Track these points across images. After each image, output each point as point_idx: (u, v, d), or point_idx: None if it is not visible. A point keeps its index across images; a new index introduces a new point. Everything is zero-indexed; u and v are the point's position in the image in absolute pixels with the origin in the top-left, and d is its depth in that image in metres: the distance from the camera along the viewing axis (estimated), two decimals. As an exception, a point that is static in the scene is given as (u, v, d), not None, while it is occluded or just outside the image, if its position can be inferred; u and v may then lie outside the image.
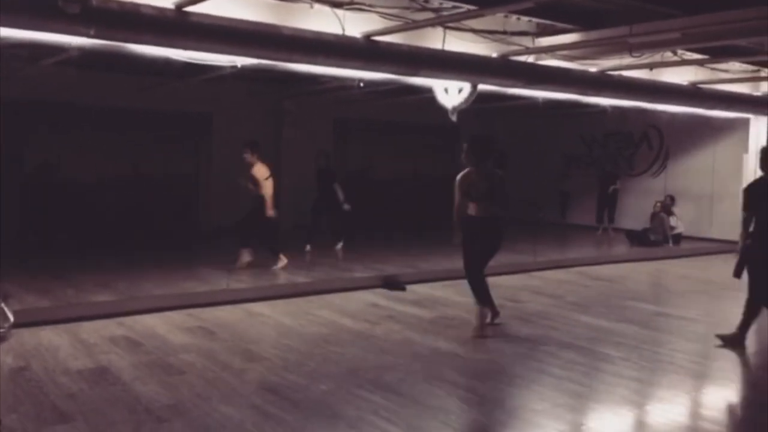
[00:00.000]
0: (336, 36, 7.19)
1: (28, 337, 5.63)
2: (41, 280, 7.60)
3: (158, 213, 12.51)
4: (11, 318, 5.73)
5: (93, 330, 5.91)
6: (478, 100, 9.32)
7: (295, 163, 13.90)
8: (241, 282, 7.98)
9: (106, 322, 6.17)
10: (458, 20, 7.60)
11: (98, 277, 7.88)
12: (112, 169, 11.99)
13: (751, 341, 6.66)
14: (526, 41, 8.70)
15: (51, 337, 5.66)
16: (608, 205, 14.20)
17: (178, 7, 6.17)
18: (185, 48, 6.82)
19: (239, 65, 7.69)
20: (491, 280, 8.83)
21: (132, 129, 12.06)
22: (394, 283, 8.23)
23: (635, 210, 14.39)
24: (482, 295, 6.20)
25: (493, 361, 5.36)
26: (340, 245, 10.96)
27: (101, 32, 5.99)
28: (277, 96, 13.35)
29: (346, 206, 10.73)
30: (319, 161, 11.26)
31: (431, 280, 8.62)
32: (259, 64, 7.67)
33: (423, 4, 7.65)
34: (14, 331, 5.68)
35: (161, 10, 6.13)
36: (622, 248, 12.40)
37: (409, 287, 8.18)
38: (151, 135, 12.34)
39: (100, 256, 9.74)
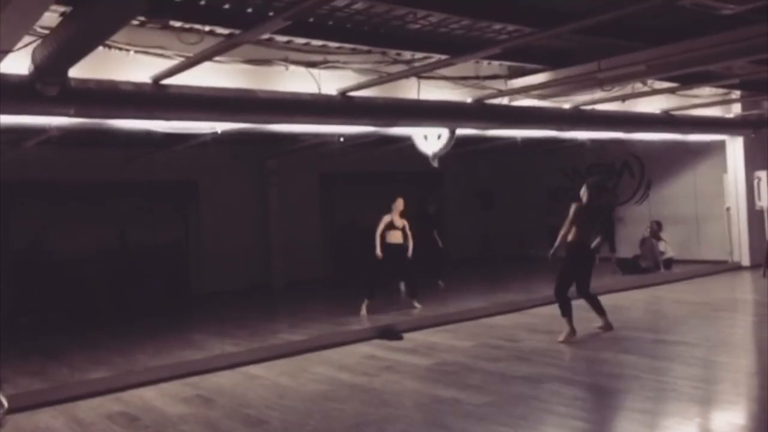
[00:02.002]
0: (312, 95, 7.34)
1: (24, 421, 5.53)
2: (34, 361, 7.50)
3: (149, 282, 12.43)
4: (5, 403, 5.63)
5: (89, 408, 5.82)
6: (457, 144, 9.47)
7: (283, 221, 13.96)
8: (237, 345, 7.91)
9: (103, 399, 6.08)
10: (431, 70, 7.79)
11: (92, 353, 7.79)
12: (101, 242, 11.97)
13: (751, 361, 6.67)
14: (499, 84, 8.92)
15: (47, 419, 5.57)
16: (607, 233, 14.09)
17: (156, 81, 6.30)
18: (165, 119, 6.95)
19: (219, 131, 7.81)
20: (486, 321, 8.87)
21: (118, 201, 12.10)
22: (390, 333, 8.19)
23: (624, 238, 14.47)
24: (567, 309, 7.40)
25: (494, 404, 5.31)
26: (440, 282, 11.68)
27: (81, 111, 6.11)
28: (260, 156, 13.48)
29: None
30: (426, 208, 12.01)
31: (427, 327, 8.59)
32: (239, 128, 7.80)
33: (395, 57, 7.85)
34: (10, 416, 5.58)
35: (139, 85, 6.26)
36: (615, 277, 12.42)
37: (406, 335, 8.15)
38: (137, 206, 12.37)
39: (92, 331, 9.64)
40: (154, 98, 6.35)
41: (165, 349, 7.92)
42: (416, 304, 9.63)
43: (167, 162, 11.91)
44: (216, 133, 7.88)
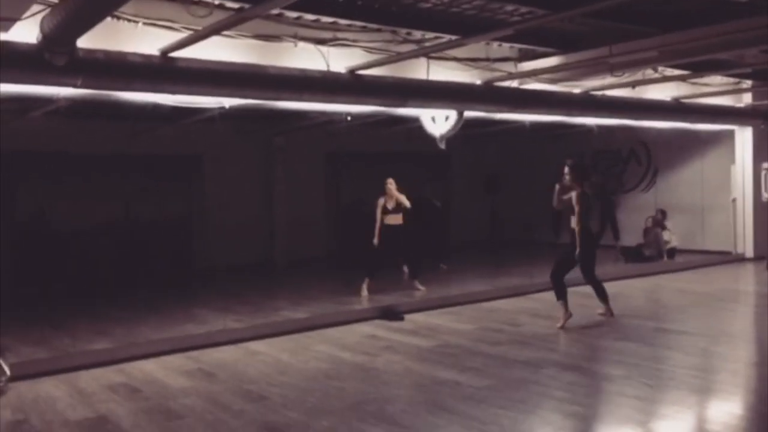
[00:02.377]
0: (321, 72, 7.29)
1: (26, 389, 5.59)
2: (37, 330, 7.55)
3: (153, 256, 12.48)
4: (7, 371, 5.69)
5: (91, 379, 5.87)
6: (465, 126, 9.42)
7: (288, 199, 13.96)
8: (239, 321, 7.96)
9: (104, 370, 6.13)
10: (441, 50, 7.73)
11: (95, 324, 7.84)
12: (105, 215, 11.99)
13: (751, 352, 6.68)
14: (509, 67, 8.84)
15: (49, 388, 5.62)
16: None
17: (164, 53, 6.26)
18: (173, 93, 6.92)
19: (227, 106, 7.78)
20: (488, 305, 8.89)
21: (123, 174, 12.10)
22: (392, 314, 8.22)
23: (628, 226, 14.41)
24: (561, 292, 7.47)
25: (494, 387, 5.34)
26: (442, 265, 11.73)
27: (88, 82, 6.07)
28: (267, 133, 13.43)
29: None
30: (433, 202, 12.06)
31: (429, 309, 8.62)
32: (246, 104, 7.76)
33: (405, 36, 7.78)
34: (12, 384, 5.63)
35: (147, 57, 6.22)
36: (617, 265, 12.41)
37: (407, 317, 8.17)
38: (142, 179, 12.38)
39: (95, 303, 9.70)
40: (162, 71, 6.32)
41: (167, 322, 7.97)
42: (419, 286, 9.64)
43: (173, 136, 11.88)
44: (223, 108, 7.85)
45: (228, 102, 7.63)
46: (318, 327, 7.69)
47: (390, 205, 9.57)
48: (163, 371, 6.08)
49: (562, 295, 7.44)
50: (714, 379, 5.65)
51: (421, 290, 9.55)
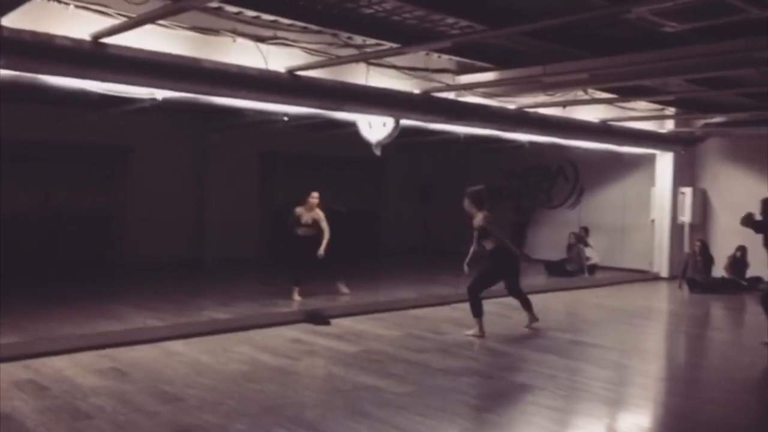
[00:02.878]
0: (259, 70, 7.20)
1: (-77, 383, 5.26)
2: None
3: (73, 249, 12.01)
4: None
5: (-4, 374, 5.58)
6: (401, 134, 9.47)
7: (220, 197, 13.71)
8: (160, 320, 7.74)
9: (11, 365, 5.83)
10: (381, 57, 7.77)
11: (4, 317, 7.46)
12: (24, 204, 11.47)
13: (660, 367, 6.97)
14: (447, 78, 8.97)
15: (-52, 382, 5.31)
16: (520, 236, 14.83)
17: (95, 39, 6.04)
18: (102, 80, 6.67)
19: (160, 98, 7.57)
20: (414, 312, 8.95)
21: (46, 161, 11.61)
22: (318, 318, 8.17)
23: (553, 241, 14.86)
24: (478, 309, 7.54)
25: (414, 394, 5.37)
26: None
27: (12, 63, 5.81)
28: (202, 129, 13.17)
29: None
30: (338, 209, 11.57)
31: (356, 314, 8.61)
32: (180, 97, 7.58)
33: (346, 40, 7.76)
34: None
35: (77, 42, 5.98)
36: (540, 279, 12.75)
37: (334, 321, 8.14)
38: (66, 168, 11.91)
39: (8, 294, 9.24)
40: (92, 57, 6.09)
41: (82, 318, 7.68)
42: (344, 290, 9.60)
43: (102, 125, 11.49)
44: (155, 99, 7.63)
45: (160, 94, 7.43)
46: (242, 329, 7.56)
47: (304, 219, 9.47)
48: (74, 369, 5.84)
49: (478, 312, 7.52)
50: (625, 392, 5.87)
51: (346, 293, 9.52)
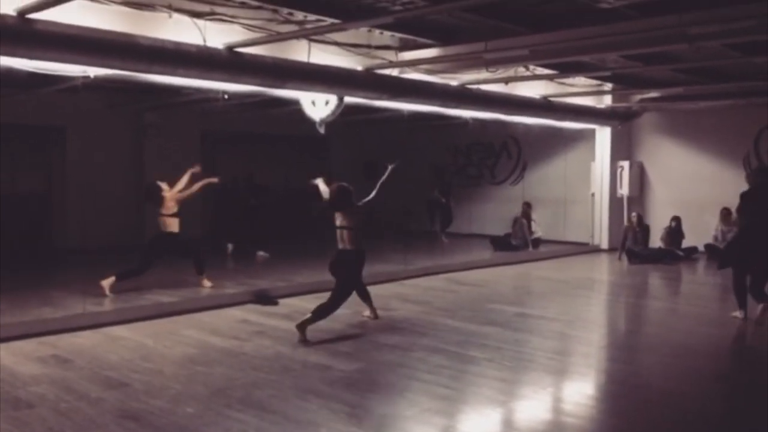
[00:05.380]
0: (197, 47, 7.00)
1: None
2: None
3: (7, 234, 11.53)
4: None
5: (-74, 367, 5.34)
6: (345, 112, 9.41)
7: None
8: (100, 305, 7.53)
9: (-57, 356, 5.61)
10: (322, 33, 7.65)
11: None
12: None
13: (602, 336, 7.20)
14: (390, 55, 8.92)
15: None
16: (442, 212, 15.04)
17: (21, 14, 5.75)
18: (30, 58, 6.36)
19: (92, 76, 7.29)
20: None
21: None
22: (265, 298, 8.07)
23: (497, 216, 15.12)
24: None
25: (363, 371, 5.41)
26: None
27: (-71, 39, 5.47)
28: (138, 108, 12.77)
29: None
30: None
31: (304, 293, 8.58)
32: (114, 74, 7.31)
33: (287, 16, 7.62)
34: None
35: (2, 17, 5.68)
36: (486, 253, 12.96)
37: (281, 301, 8.07)
38: (-5, 150, 11.39)
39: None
40: (19, 33, 5.79)
41: (20, 305, 7.41)
42: (206, 283, 8.89)
43: (32, 105, 11.02)
44: (88, 77, 7.34)
45: (93, 71, 7.15)
46: (187, 311, 7.44)
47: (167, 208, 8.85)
48: (12, 357, 5.64)
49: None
50: (569, 361, 6.04)
51: (208, 286, 8.84)
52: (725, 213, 12.11)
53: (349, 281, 6.85)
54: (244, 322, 7.07)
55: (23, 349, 5.92)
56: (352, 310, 7.67)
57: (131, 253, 12.16)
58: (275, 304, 7.92)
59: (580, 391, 5.22)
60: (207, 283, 8.89)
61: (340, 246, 6.84)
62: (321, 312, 6.52)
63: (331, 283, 9.22)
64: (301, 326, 6.35)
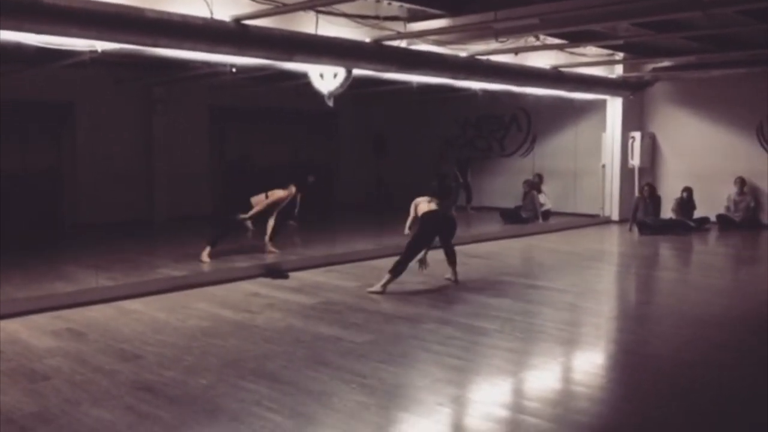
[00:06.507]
0: (204, 20, 6.95)
1: None
2: None
3: (19, 211, 11.59)
4: None
5: (-56, 340, 5.42)
6: (354, 85, 9.34)
7: (169, 153, 13.38)
8: (113, 279, 7.60)
9: (-40, 330, 5.68)
10: (330, 4, 7.57)
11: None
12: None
13: (612, 307, 7.20)
14: (398, 26, 8.82)
15: None
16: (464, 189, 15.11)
17: (27, -12, 5.71)
18: (38, 32, 6.34)
19: (100, 50, 7.25)
20: (371, 263, 8.99)
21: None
22: (276, 272, 8.14)
23: (508, 189, 15.05)
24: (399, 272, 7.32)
25: (375, 342, 5.44)
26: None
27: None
28: (147, 82, 12.73)
29: None
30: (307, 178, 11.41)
31: (314, 267, 8.61)
32: (122, 49, 7.28)
33: (294, -13, 7.54)
34: None
35: (7, -9, 5.65)
36: (496, 226, 12.94)
37: (292, 275, 8.12)
38: (5, 127, 11.39)
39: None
40: (25, 6, 5.76)
41: (34, 280, 7.49)
42: (205, 258, 8.76)
43: (41, 81, 11.00)
44: (96, 51, 7.30)
45: (101, 46, 7.12)
46: (198, 285, 7.49)
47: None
48: (27, 331, 5.71)
49: (397, 274, 7.27)
50: (579, 331, 6.05)
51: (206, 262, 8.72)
52: (740, 182, 12.01)
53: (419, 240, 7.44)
54: (255, 296, 7.12)
55: (38, 322, 5.99)
56: (359, 283, 7.71)
57: (141, 227, 12.33)
58: (286, 277, 7.99)
59: (591, 361, 5.24)
60: (207, 258, 8.72)
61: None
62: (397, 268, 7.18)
63: (339, 256, 9.27)
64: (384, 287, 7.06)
